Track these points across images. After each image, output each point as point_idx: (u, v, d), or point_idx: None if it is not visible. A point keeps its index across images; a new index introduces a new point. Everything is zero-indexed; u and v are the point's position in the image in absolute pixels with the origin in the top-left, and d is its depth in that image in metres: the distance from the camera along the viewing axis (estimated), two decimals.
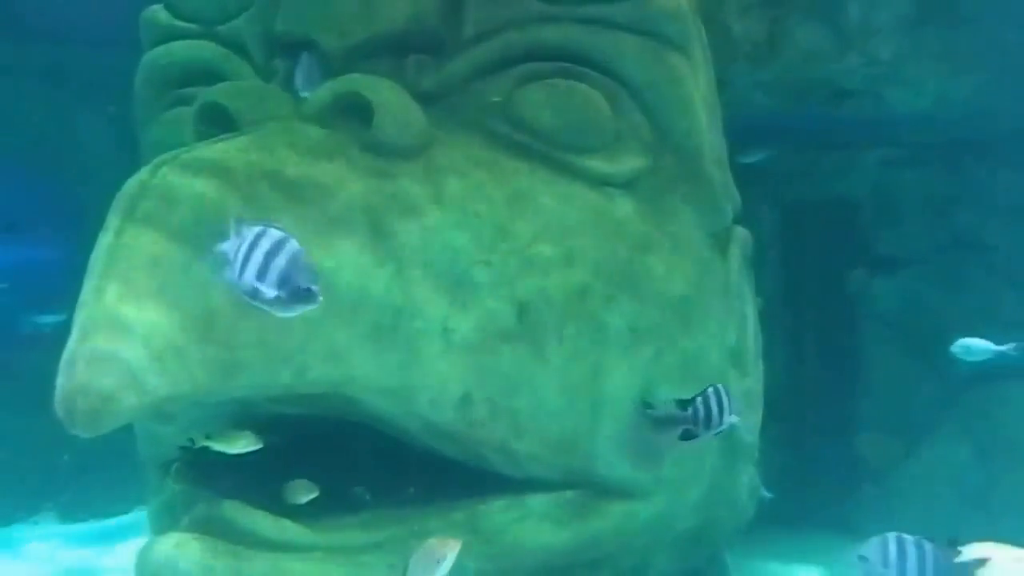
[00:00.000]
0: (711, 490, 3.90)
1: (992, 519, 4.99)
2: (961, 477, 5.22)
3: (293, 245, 1.94)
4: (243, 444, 3.08)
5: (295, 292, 1.95)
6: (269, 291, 1.94)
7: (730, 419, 2.97)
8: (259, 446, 3.09)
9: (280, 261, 1.92)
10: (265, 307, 2.00)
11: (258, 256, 1.94)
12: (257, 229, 1.97)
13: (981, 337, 4.41)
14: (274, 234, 1.95)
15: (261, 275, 1.95)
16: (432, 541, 2.70)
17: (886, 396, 5.42)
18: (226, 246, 2.01)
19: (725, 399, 2.95)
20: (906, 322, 5.36)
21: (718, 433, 3.01)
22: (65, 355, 2.67)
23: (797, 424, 5.38)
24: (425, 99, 3.42)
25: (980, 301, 5.19)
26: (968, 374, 5.19)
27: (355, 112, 3.25)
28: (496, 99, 3.49)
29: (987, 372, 5.09)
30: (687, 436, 3.00)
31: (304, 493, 3.10)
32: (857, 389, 5.52)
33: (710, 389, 2.96)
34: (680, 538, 3.87)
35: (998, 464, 5.19)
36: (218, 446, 3.07)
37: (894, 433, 5.39)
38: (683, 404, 2.99)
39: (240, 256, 1.97)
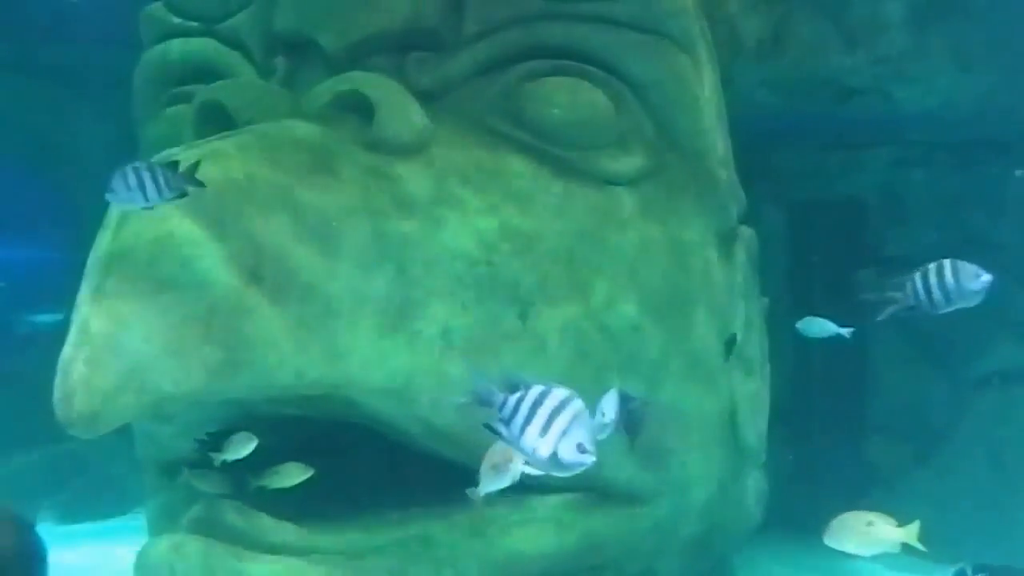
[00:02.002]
0: (718, 494, 3.84)
1: (1008, 525, 4.91)
2: (975, 482, 5.14)
3: (577, 405, 1.90)
4: (296, 475, 3.06)
5: (572, 453, 1.89)
6: (548, 450, 1.88)
7: (963, 294, 2.41)
8: (311, 473, 3.06)
9: (561, 422, 1.88)
10: (540, 466, 1.95)
11: (543, 414, 1.89)
12: (540, 388, 1.92)
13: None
14: (559, 393, 1.91)
15: (543, 433, 1.89)
16: (500, 445, 2.66)
17: (897, 400, 5.35)
18: (498, 398, 1.94)
19: (949, 273, 2.40)
20: (916, 323, 5.28)
21: (943, 313, 2.46)
22: (63, 355, 2.66)
23: (806, 428, 5.31)
24: (426, 97, 3.41)
25: (991, 301, 5.11)
26: (981, 377, 5.12)
27: (355, 110, 3.23)
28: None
29: (1001, 375, 5.02)
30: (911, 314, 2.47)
31: (297, 475, 3.06)
32: (867, 392, 5.45)
33: (932, 264, 2.43)
34: (686, 543, 3.81)
35: (1013, 469, 5.11)
36: (274, 484, 3.06)
37: (905, 437, 5.31)
38: (898, 283, 2.49)
39: (521, 414, 1.91)
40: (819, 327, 4.03)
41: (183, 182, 2.56)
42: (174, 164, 2.59)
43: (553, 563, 3.43)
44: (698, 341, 3.68)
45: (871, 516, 2.75)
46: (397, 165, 3.19)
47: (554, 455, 1.85)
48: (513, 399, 1.89)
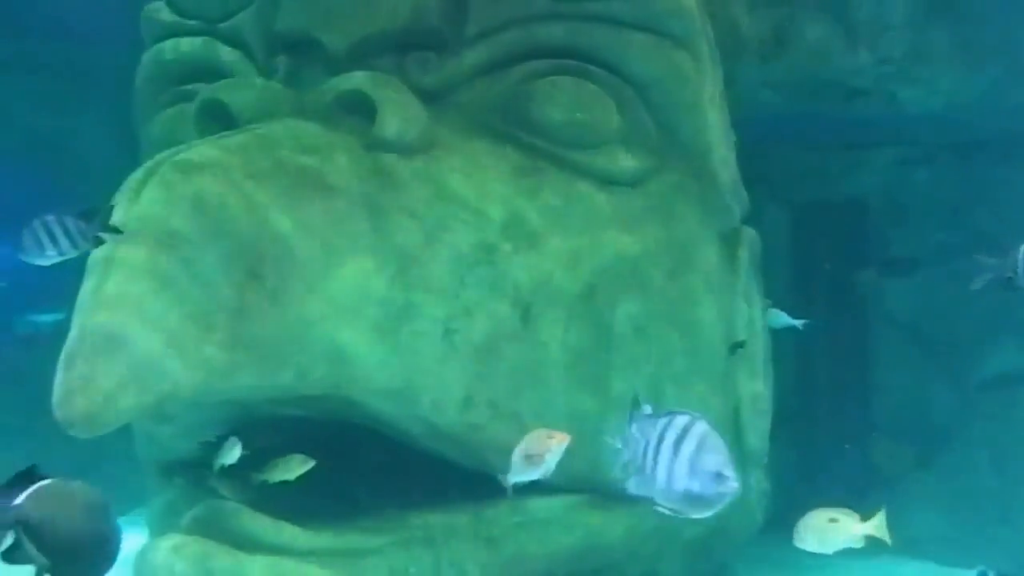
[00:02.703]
0: None
1: (1010, 527, 4.89)
2: (978, 484, 5.12)
3: (700, 428, 1.69)
4: (297, 467, 3.07)
5: (707, 482, 1.66)
6: (680, 486, 1.67)
7: None
8: (312, 464, 3.07)
9: (686, 452, 1.66)
10: (684, 509, 1.72)
11: (666, 451, 1.68)
12: (663, 420, 1.73)
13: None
14: (680, 421, 1.71)
15: (669, 471, 1.68)
16: (540, 432, 2.58)
17: (900, 401, 5.33)
18: (637, 446, 1.75)
19: None
20: (919, 325, 5.28)
21: None
22: (63, 355, 2.64)
23: (808, 430, 5.30)
24: (428, 97, 3.40)
25: (995, 302, 5.11)
26: (985, 379, 5.10)
27: (357, 109, 3.23)
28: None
29: (1004, 377, 5.00)
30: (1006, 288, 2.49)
31: (298, 467, 3.06)
32: (870, 394, 5.43)
33: None
34: (688, 545, 3.80)
35: (1016, 471, 5.09)
36: (276, 477, 3.07)
37: (908, 439, 5.30)
38: (999, 253, 2.55)
39: (649, 459, 1.71)
40: (774, 318, 4.12)
41: (98, 230, 2.48)
42: (87, 212, 2.50)
43: (555, 564, 3.42)
44: (700, 342, 3.67)
45: (833, 513, 2.75)
46: (399, 165, 3.18)
47: (688, 492, 1.63)
48: (642, 446, 1.70)
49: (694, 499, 1.65)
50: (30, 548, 1.77)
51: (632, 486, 1.74)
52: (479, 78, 3.51)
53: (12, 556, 1.78)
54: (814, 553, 2.95)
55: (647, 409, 1.79)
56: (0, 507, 1.80)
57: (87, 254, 2.54)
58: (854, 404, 5.43)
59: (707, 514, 1.69)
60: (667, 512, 1.78)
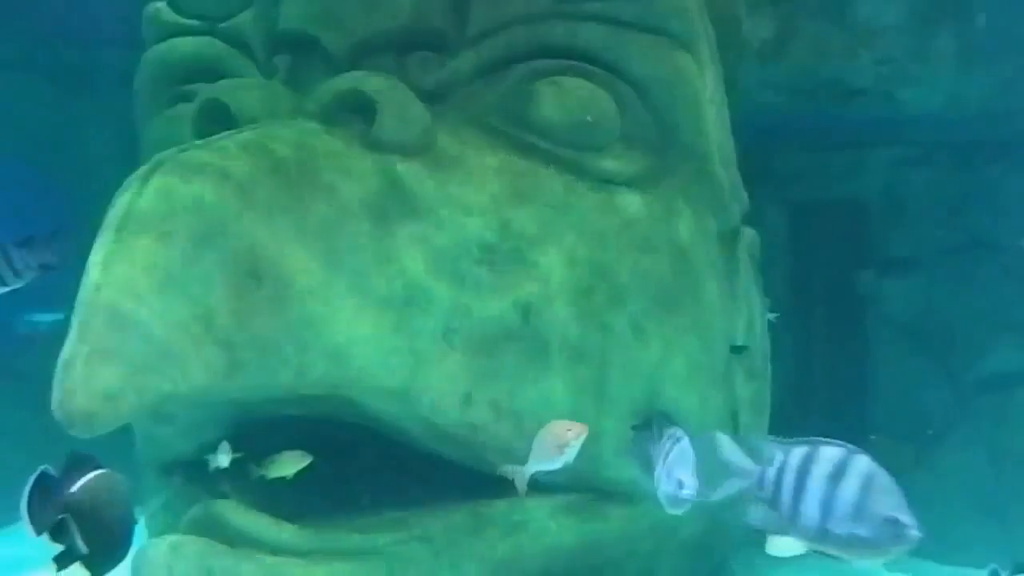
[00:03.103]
0: None
1: (1007, 527, 4.91)
2: (974, 484, 5.14)
3: (862, 464, 1.46)
4: (295, 463, 3.08)
5: (879, 528, 1.44)
6: (842, 529, 1.43)
7: None
8: (309, 460, 3.07)
9: (850, 491, 1.42)
10: (832, 551, 1.51)
11: (818, 485, 1.45)
12: (802, 449, 1.51)
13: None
14: (831, 453, 1.45)
15: (825, 509, 1.46)
16: (559, 423, 2.56)
17: (897, 401, 5.35)
18: (754, 471, 1.55)
19: None
20: (917, 325, 5.29)
21: None
22: (63, 355, 2.64)
23: (806, 429, 5.31)
24: (428, 97, 3.40)
25: (993, 303, 5.12)
26: (982, 379, 5.12)
27: (357, 109, 3.23)
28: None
29: (1002, 377, 5.02)
30: None
31: (295, 464, 3.06)
32: (867, 394, 5.45)
33: None
34: (685, 544, 3.81)
35: (1013, 471, 5.11)
36: (273, 473, 3.07)
37: (905, 439, 5.32)
38: None
39: (787, 488, 1.48)
40: None
41: (43, 256, 2.48)
42: (29, 240, 2.49)
43: (553, 563, 3.42)
44: (700, 342, 3.67)
45: None
46: (399, 165, 3.18)
47: (853, 538, 1.42)
48: (772, 471, 1.51)
49: (859, 544, 1.45)
50: (76, 536, 1.82)
51: (755, 518, 1.55)
52: (480, 78, 3.50)
53: (61, 559, 1.83)
54: (812, 552, 2.96)
55: (679, 433, 1.66)
56: (55, 496, 1.89)
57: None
58: (852, 403, 5.45)
59: (871, 561, 1.51)
60: (816, 551, 1.59)
